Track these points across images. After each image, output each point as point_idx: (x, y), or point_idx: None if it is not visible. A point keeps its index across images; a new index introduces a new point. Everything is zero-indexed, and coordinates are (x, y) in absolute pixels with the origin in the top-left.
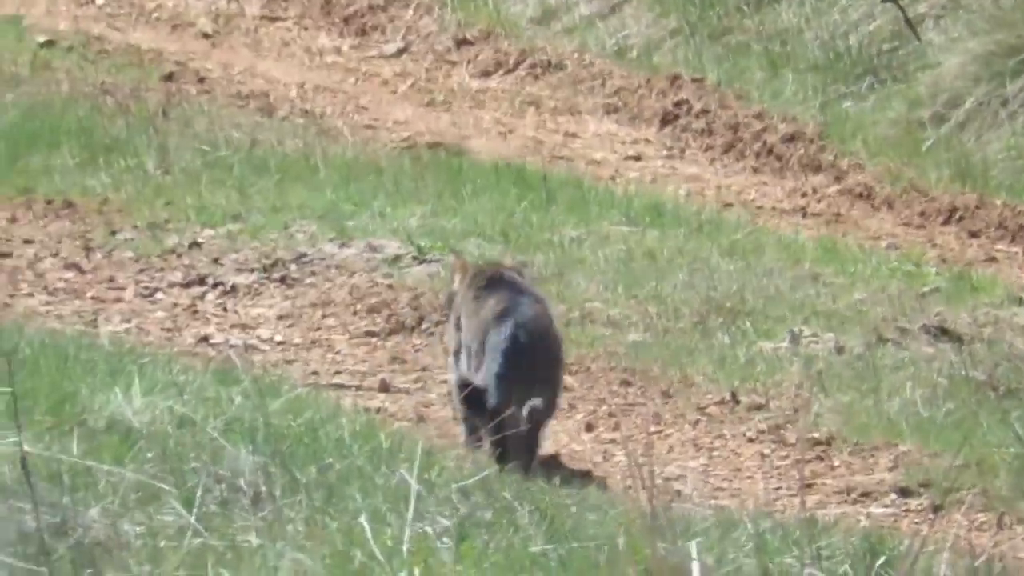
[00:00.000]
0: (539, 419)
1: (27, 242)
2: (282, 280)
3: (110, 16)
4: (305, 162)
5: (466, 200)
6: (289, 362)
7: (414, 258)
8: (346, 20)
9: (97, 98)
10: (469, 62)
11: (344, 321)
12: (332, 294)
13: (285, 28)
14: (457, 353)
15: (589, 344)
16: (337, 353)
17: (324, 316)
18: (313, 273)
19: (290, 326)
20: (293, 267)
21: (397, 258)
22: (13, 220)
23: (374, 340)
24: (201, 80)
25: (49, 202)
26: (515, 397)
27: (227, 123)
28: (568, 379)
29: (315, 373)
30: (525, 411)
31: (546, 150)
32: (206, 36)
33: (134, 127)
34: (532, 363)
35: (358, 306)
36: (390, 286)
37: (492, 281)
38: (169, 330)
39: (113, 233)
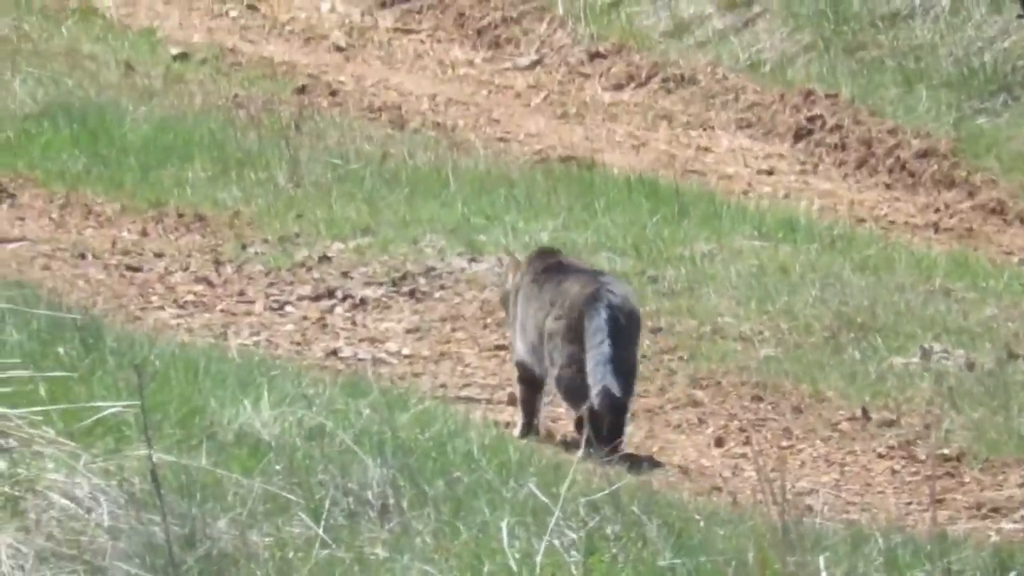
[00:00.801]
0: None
1: (158, 255)
2: (411, 294)
3: (243, 28)
4: (436, 175)
5: (598, 214)
6: (417, 375)
7: None
8: (479, 33)
9: (229, 111)
10: (602, 75)
11: (473, 334)
12: (461, 308)
13: (418, 40)
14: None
15: (720, 359)
16: (466, 366)
17: (453, 329)
18: (442, 287)
19: (419, 339)
20: (422, 281)
21: None
22: (144, 233)
23: (503, 353)
24: (333, 93)
25: (181, 215)
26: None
27: (359, 136)
28: (699, 393)
29: (444, 386)
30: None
31: (678, 164)
32: (339, 49)
33: (266, 140)
34: (627, 343)
35: (488, 320)
36: None
37: (556, 264)
38: (298, 343)
39: (244, 246)
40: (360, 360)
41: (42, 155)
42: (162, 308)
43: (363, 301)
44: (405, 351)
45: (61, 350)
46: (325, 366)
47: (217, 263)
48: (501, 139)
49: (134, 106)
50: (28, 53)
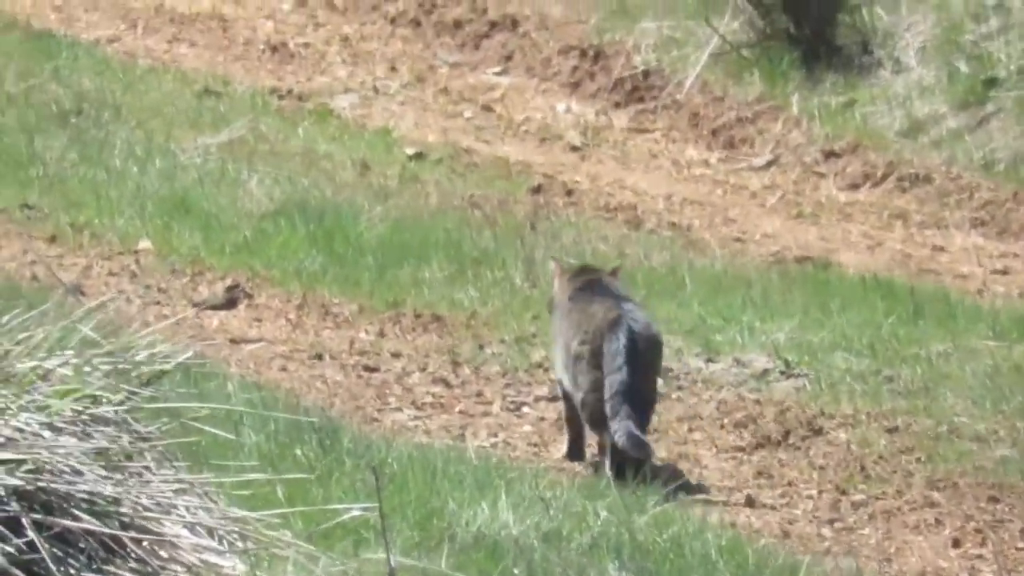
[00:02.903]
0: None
1: (395, 356)
2: None
3: (478, 128)
4: (672, 275)
5: (833, 314)
6: (655, 477)
7: (781, 372)
8: (714, 132)
9: (465, 211)
10: (837, 175)
11: (711, 435)
12: (698, 408)
13: (653, 140)
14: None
15: (956, 459)
16: (704, 467)
17: (690, 430)
18: (679, 387)
19: (656, 440)
20: (659, 382)
21: (764, 372)
22: (382, 334)
23: (740, 454)
24: (569, 193)
25: (418, 315)
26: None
27: (594, 236)
28: (935, 494)
29: (681, 488)
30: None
31: (913, 263)
32: (574, 149)
33: (502, 240)
34: (646, 370)
35: (725, 420)
36: (757, 401)
37: (590, 284)
38: (535, 444)
39: (481, 347)
40: (596, 461)
41: (278, 255)
42: (399, 409)
43: None
44: None
45: (299, 452)
46: (562, 468)
47: (454, 364)
48: (737, 239)
49: (370, 205)
50: (265, 153)
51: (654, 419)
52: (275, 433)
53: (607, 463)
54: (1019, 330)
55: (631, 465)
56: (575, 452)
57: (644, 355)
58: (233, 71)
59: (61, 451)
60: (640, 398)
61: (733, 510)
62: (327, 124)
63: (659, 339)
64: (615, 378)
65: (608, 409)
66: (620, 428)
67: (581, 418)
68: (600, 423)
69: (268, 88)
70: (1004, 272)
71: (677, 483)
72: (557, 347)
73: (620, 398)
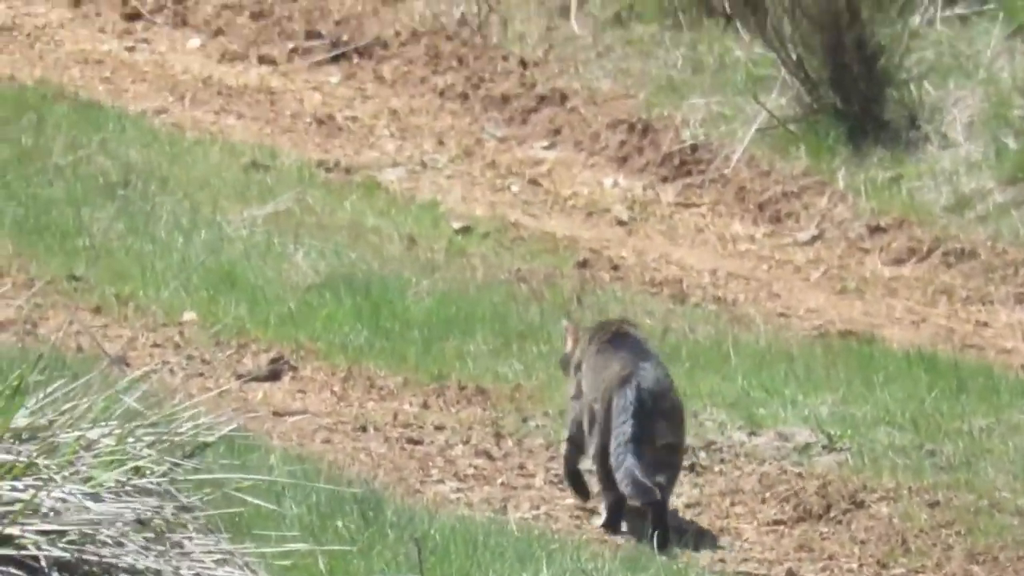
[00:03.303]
0: (667, 488)
1: (438, 428)
2: (691, 468)
3: (525, 203)
4: (717, 349)
5: (876, 388)
6: (697, 550)
7: (824, 447)
8: (760, 207)
9: (511, 285)
10: (882, 250)
11: (752, 508)
12: (740, 482)
13: (699, 214)
14: (578, 421)
15: (996, 533)
16: (745, 540)
17: (732, 504)
18: (722, 461)
19: (698, 514)
20: (702, 455)
21: (807, 446)
22: (426, 406)
23: (781, 528)
24: (615, 267)
25: (462, 388)
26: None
27: (640, 310)
28: (974, 568)
29: (722, 561)
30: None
31: (957, 338)
32: (621, 223)
33: (548, 314)
34: (657, 426)
35: (767, 494)
36: (799, 474)
37: (616, 336)
38: (578, 516)
39: (524, 419)
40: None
41: (324, 327)
42: (442, 481)
43: None
44: (684, 525)
45: (341, 523)
46: (604, 540)
47: (498, 436)
48: (781, 313)
49: (417, 279)
50: (311, 226)
51: (695, 492)
52: (317, 504)
53: (604, 515)
54: None
55: (649, 522)
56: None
57: (654, 411)
58: (280, 143)
59: (103, 522)
60: (649, 453)
61: None
62: (374, 197)
63: (671, 394)
64: (620, 431)
65: (613, 462)
66: (624, 477)
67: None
68: (606, 478)
69: (315, 161)
70: None
71: (719, 556)
72: (579, 404)
73: (623, 449)
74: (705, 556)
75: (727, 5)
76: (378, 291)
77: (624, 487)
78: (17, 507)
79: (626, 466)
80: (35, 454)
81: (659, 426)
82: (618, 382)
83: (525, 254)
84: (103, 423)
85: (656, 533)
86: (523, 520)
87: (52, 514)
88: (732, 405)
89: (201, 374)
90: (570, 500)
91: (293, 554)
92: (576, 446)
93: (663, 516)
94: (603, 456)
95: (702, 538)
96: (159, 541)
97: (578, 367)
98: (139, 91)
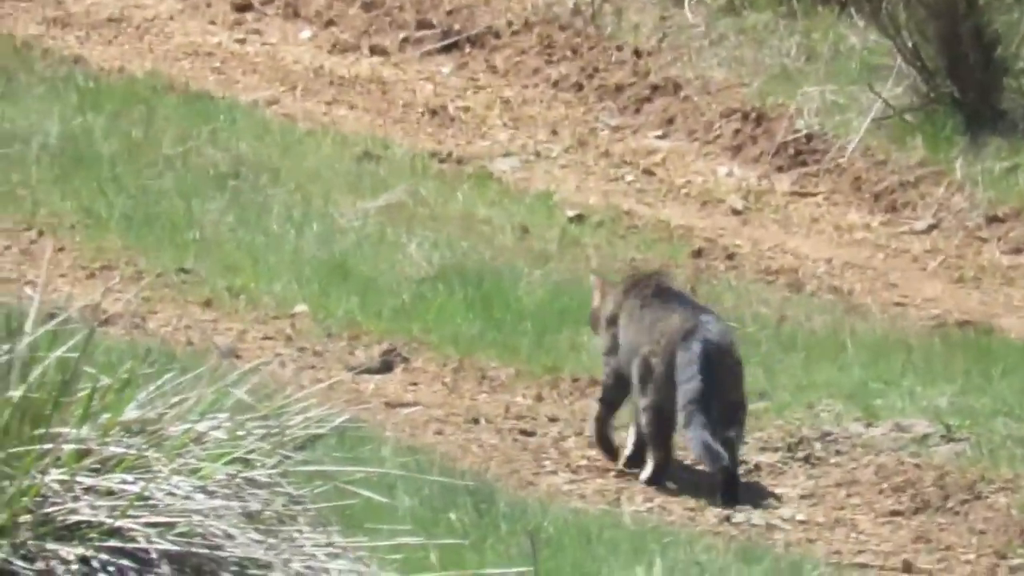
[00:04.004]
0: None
1: (552, 420)
2: (806, 459)
3: (639, 192)
4: (833, 339)
5: (994, 379)
6: (812, 541)
7: (942, 437)
8: (876, 196)
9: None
10: (999, 239)
11: (869, 500)
12: (857, 473)
13: (815, 204)
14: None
15: None
16: (860, 532)
17: (848, 495)
18: (838, 452)
19: (813, 505)
20: (818, 446)
21: (925, 437)
22: (539, 398)
23: (898, 519)
24: (730, 256)
25: (575, 380)
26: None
27: (755, 300)
28: None
29: (837, 552)
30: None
31: None
32: (736, 212)
33: None
34: (725, 381)
35: (883, 485)
36: (917, 465)
37: (660, 290)
38: (692, 509)
39: None
40: (753, 526)
41: (436, 319)
42: (555, 473)
43: (757, 466)
44: (799, 517)
45: (453, 516)
46: (718, 532)
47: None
48: (897, 303)
49: (529, 270)
50: (424, 217)
51: (811, 484)
52: (429, 497)
53: (644, 474)
54: None
55: (721, 489)
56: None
57: (720, 365)
58: (392, 134)
59: (213, 514)
60: (717, 409)
61: (890, 575)
62: (487, 188)
63: (734, 349)
64: (688, 387)
65: (682, 419)
66: (694, 438)
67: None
68: (659, 434)
69: (428, 151)
70: None
71: (834, 548)
72: (620, 354)
73: (693, 407)
74: (820, 548)
75: None
76: (490, 282)
77: (695, 449)
78: (127, 500)
79: (695, 426)
80: (145, 447)
81: (727, 381)
82: (681, 335)
83: (639, 243)
84: (213, 416)
85: (725, 496)
86: (637, 512)
87: (161, 506)
88: (849, 396)
89: (312, 366)
90: (683, 492)
91: (405, 548)
92: (609, 406)
93: (734, 481)
94: (659, 412)
95: (819, 529)
96: (269, 534)
97: (611, 322)
98: (250, 82)
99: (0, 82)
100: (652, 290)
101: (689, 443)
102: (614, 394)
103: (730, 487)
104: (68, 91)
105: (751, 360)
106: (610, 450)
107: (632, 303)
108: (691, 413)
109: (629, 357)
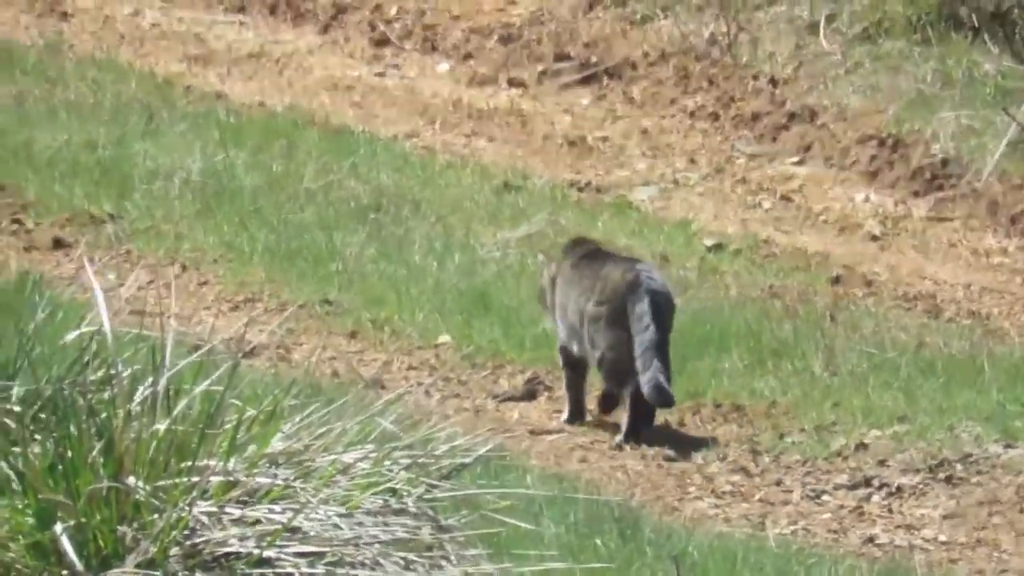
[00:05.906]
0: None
1: (696, 446)
2: (947, 480)
3: (777, 219)
4: (971, 363)
5: None
6: (954, 561)
7: None
8: (1013, 220)
9: (765, 301)
10: None
11: (1010, 519)
12: (998, 493)
13: (952, 229)
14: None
15: None
16: (1003, 552)
17: (990, 515)
18: (979, 472)
19: (955, 526)
20: (959, 467)
21: None
22: (682, 424)
23: None
24: (868, 283)
25: (717, 405)
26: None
27: (893, 325)
28: None
29: (980, 572)
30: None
31: None
32: (874, 239)
33: (801, 330)
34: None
35: None
36: None
37: (594, 249)
38: (835, 531)
39: (781, 436)
40: (897, 547)
41: None
42: (700, 498)
43: (899, 488)
44: (941, 537)
45: (599, 542)
46: (862, 553)
47: (754, 453)
48: None
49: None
50: None
51: (952, 504)
52: (575, 524)
53: (625, 421)
54: None
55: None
56: (576, 415)
57: (665, 312)
58: (532, 165)
59: (361, 543)
60: (665, 355)
61: None
62: (626, 217)
63: (672, 297)
64: (645, 336)
65: (639, 364)
66: (650, 379)
67: (603, 377)
68: (620, 378)
69: (567, 182)
70: None
71: (976, 567)
72: (561, 317)
73: (651, 353)
74: (962, 567)
75: (975, 19)
76: None
77: (646, 388)
78: (274, 529)
79: (653, 370)
80: (292, 478)
81: (670, 325)
82: (627, 287)
83: (778, 271)
84: (359, 446)
85: (635, 431)
86: (781, 536)
87: (309, 536)
88: (988, 418)
89: (457, 395)
90: (827, 515)
91: (552, 572)
92: (575, 368)
93: (651, 419)
94: (615, 360)
95: (960, 549)
96: (417, 562)
97: (553, 289)
98: (389, 116)
99: (143, 119)
100: (584, 252)
101: (644, 384)
102: (575, 357)
103: (647, 423)
104: (210, 127)
105: (892, 385)
106: (582, 413)
107: (566, 266)
108: (649, 359)
109: (577, 317)
